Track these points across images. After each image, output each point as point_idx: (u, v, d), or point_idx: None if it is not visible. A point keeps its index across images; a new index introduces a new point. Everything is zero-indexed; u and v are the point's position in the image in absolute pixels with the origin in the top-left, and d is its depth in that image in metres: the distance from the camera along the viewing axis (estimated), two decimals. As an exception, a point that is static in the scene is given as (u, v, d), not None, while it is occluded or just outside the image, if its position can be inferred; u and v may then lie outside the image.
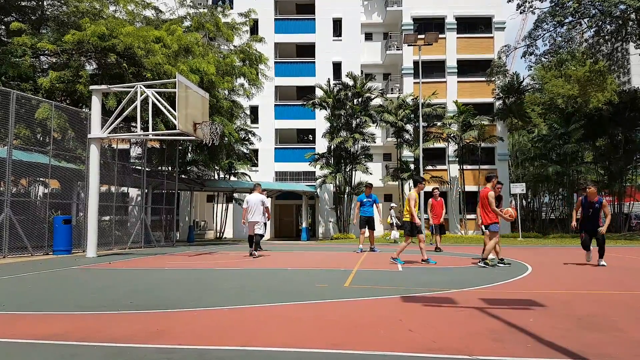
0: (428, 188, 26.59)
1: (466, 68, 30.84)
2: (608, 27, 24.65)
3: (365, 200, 12.71)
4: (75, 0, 15.01)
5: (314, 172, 28.83)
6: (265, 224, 12.21)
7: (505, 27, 31.25)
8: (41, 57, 15.43)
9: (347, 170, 26.87)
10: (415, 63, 28.99)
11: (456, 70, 30.87)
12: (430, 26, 29.91)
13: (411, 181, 27.66)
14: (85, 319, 4.09)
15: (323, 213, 30.44)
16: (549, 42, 25.37)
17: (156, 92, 11.31)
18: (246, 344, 3.19)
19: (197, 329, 3.66)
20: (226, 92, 19.36)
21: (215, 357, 2.94)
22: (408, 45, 27.72)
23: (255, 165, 29.60)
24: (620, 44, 29.94)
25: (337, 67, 31.10)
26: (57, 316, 4.25)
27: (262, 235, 11.92)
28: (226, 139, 18.28)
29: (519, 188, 23.39)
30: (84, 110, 13.74)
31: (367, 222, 12.64)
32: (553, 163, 29.13)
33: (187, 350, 3.06)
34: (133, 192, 20.19)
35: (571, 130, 28.01)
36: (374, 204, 12.81)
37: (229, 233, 29.56)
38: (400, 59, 31.32)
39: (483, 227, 8.84)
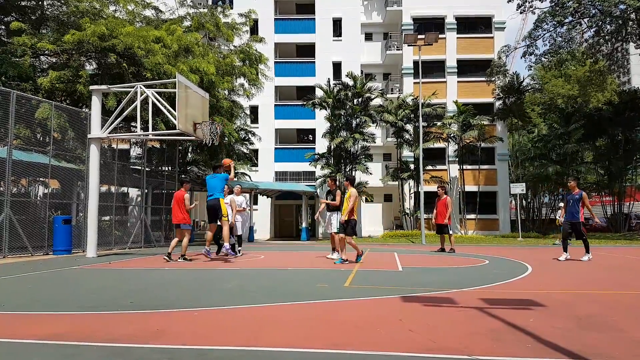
0: (432, 188, 26.90)
1: (466, 68, 30.81)
2: (608, 27, 24.62)
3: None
4: (75, 0, 15.01)
5: (314, 172, 28.81)
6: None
7: (505, 27, 31.22)
8: (41, 57, 15.42)
9: (347, 170, 26.85)
10: (415, 63, 28.97)
11: (456, 70, 30.85)
12: (430, 26, 29.91)
13: (410, 181, 27.82)
14: (85, 319, 4.09)
15: (323, 213, 30.40)
16: (549, 42, 25.36)
17: (156, 92, 11.30)
18: (246, 344, 3.19)
19: (197, 329, 3.66)
20: (226, 92, 19.33)
21: (215, 357, 2.94)
22: (408, 45, 27.70)
23: (255, 165, 29.57)
24: (620, 44, 29.94)
25: (337, 67, 31.08)
26: (57, 316, 4.25)
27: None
28: (226, 139, 18.26)
29: (518, 188, 23.40)
30: (84, 110, 13.73)
31: (214, 210, 9.60)
32: (553, 163, 29.12)
33: (187, 350, 3.06)
34: (133, 192, 20.15)
35: (571, 130, 28.02)
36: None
37: (228, 233, 29.50)
38: (400, 59, 31.30)
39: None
